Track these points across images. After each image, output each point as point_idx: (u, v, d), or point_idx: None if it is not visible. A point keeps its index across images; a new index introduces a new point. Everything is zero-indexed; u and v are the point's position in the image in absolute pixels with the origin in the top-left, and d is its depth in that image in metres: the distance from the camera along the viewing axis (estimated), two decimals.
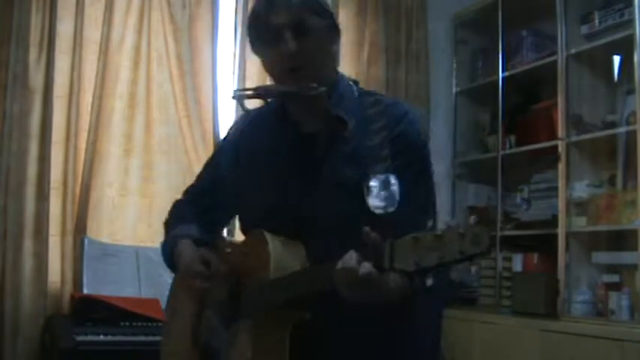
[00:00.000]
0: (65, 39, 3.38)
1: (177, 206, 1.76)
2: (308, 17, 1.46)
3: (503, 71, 3.77)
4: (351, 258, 1.25)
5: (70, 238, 3.31)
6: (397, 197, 1.39)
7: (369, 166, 1.43)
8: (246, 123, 1.66)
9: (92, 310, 2.96)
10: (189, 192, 1.78)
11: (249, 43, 1.57)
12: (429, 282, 1.30)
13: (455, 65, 4.19)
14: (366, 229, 1.23)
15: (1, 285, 3.15)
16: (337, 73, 1.57)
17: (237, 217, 1.69)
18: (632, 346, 2.71)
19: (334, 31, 1.53)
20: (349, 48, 4.00)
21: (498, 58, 3.78)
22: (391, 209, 1.38)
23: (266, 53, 1.51)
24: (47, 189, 3.26)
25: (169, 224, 1.72)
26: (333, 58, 1.55)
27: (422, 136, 1.53)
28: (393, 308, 1.35)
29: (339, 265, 1.26)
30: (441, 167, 4.13)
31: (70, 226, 3.31)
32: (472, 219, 1.15)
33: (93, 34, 3.45)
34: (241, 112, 1.64)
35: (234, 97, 1.51)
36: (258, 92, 1.51)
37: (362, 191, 1.42)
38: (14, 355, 3.10)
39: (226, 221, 1.83)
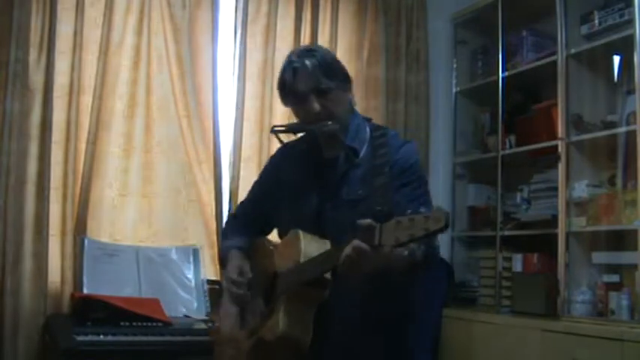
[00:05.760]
0: (65, 39, 3.38)
1: (229, 220, 2.29)
2: (325, 81, 1.88)
3: (503, 71, 3.76)
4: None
5: (70, 238, 3.31)
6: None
7: (374, 177, 1.84)
8: (285, 151, 2.10)
9: (92, 310, 2.97)
10: (240, 206, 2.26)
11: (279, 98, 1.98)
12: (419, 255, 1.67)
13: (455, 65, 4.18)
14: (360, 220, 1.60)
15: (1, 285, 3.15)
16: (353, 112, 1.99)
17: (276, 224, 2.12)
18: (632, 346, 2.71)
19: (346, 82, 1.95)
20: (349, 48, 4.00)
21: (498, 58, 3.78)
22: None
23: (296, 109, 1.97)
24: (47, 189, 3.27)
25: (224, 235, 2.22)
26: (349, 102, 1.97)
27: (413, 163, 1.93)
28: (397, 275, 1.75)
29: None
30: (441, 167, 4.14)
31: (70, 226, 3.32)
32: (436, 206, 1.49)
33: (93, 34, 3.45)
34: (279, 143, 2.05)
35: (272, 132, 1.94)
36: (290, 128, 1.99)
37: (367, 206, 1.77)
38: (14, 355, 3.10)
39: (270, 228, 2.19)
